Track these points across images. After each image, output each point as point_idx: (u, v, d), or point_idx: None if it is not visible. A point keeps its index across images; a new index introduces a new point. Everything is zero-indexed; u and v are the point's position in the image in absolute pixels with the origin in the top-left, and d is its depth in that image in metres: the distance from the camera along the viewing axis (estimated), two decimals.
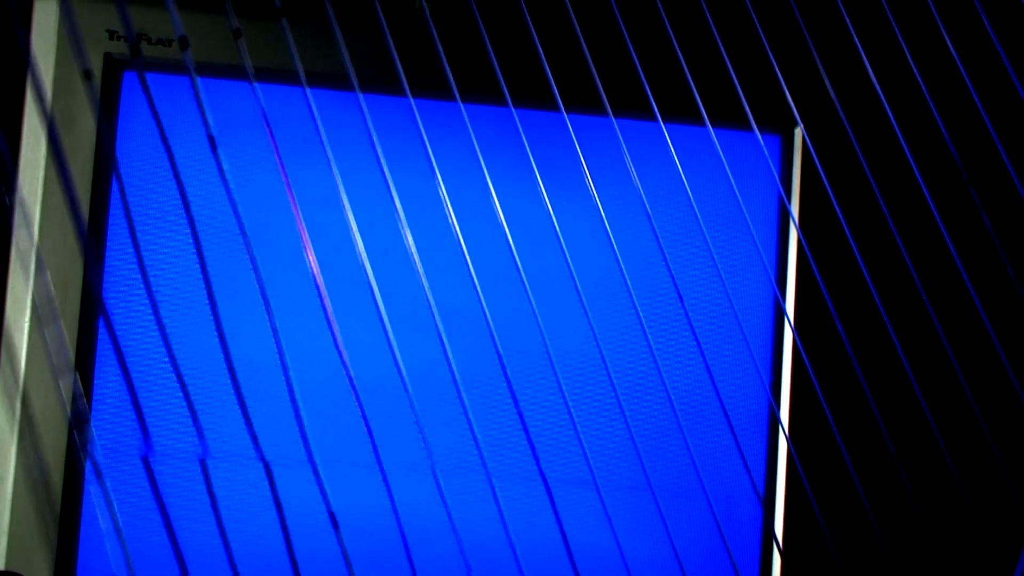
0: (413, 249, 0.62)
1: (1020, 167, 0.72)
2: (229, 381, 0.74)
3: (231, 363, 0.53)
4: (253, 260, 0.55)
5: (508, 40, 0.76)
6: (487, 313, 0.62)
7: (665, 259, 0.72)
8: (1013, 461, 0.85)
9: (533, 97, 0.77)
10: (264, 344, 0.74)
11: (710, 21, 0.69)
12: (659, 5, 0.68)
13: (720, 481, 0.80)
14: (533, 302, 0.64)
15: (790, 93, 0.73)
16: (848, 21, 0.71)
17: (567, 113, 0.77)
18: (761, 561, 0.80)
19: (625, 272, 0.67)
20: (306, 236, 0.59)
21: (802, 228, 0.78)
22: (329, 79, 0.76)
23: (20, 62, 0.80)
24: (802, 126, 0.76)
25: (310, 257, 0.69)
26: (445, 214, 0.74)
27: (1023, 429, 0.84)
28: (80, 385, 0.74)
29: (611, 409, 0.78)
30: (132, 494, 0.74)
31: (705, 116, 0.68)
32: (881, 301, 0.68)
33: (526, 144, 0.66)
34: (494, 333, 0.62)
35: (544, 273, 0.77)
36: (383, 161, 0.62)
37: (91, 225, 0.74)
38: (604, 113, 0.76)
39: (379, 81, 0.76)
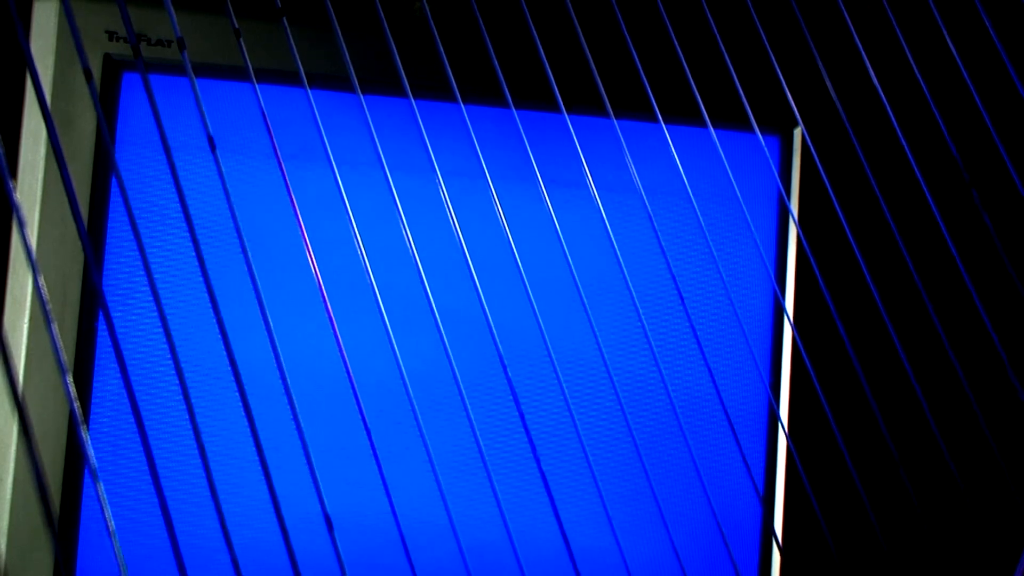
0: (414, 250, 0.62)
1: (1020, 167, 0.72)
2: (228, 382, 0.74)
3: (234, 364, 0.53)
4: (249, 262, 0.55)
5: (509, 41, 0.76)
6: (488, 313, 0.62)
7: (666, 258, 0.72)
8: (1013, 461, 0.85)
9: (534, 98, 0.77)
10: (264, 345, 0.74)
11: (711, 22, 0.69)
12: (660, 6, 0.68)
13: (720, 479, 0.80)
14: (534, 302, 0.64)
15: (790, 93, 0.73)
16: (848, 21, 0.71)
17: (568, 114, 0.77)
18: (761, 559, 0.80)
19: (626, 271, 0.67)
20: (307, 237, 0.59)
21: (802, 227, 0.78)
22: (329, 80, 0.75)
23: (20, 62, 0.80)
24: (803, 126, 0.76)
25: (310, 258, 0.69)
26: (446, 215, 0.74)
27: (1023, 429, 0.84)
28: (74, 387, 0.74)
29: (611, 408, 0.79)
30: (131, 496, 0.74)
31: (706, 117, 0.68)
32: (881, 300, 0.68)
33: (527, 145, 0.66)
34: (495, 333, 0.62)
35: (545, 273, 0.77)
36: (384, 162, 0.61)
37: (91, 225, 0.74)
38: (605, 114, 0.76)
39: (380, 82, 0.75)
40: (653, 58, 0.76)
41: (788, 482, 0.79)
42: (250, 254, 0.55)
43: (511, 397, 0.76)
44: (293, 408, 0.54)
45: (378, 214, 0.75)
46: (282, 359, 0.55)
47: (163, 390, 0.74)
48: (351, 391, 0.60)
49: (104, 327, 0.74)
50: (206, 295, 0.64)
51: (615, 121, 0.68)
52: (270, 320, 0.55)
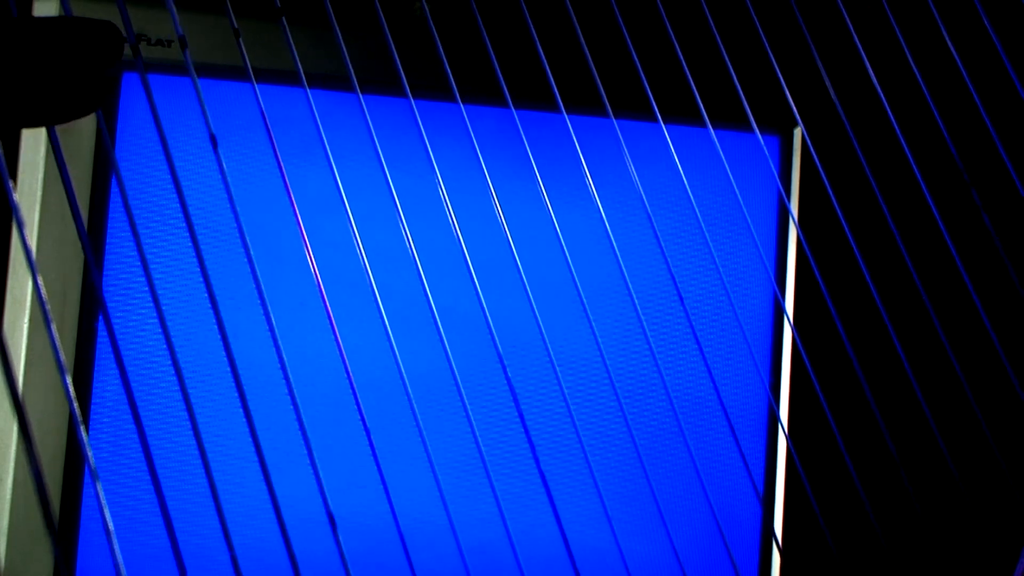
0: (413, 249, 0.62)
1: (1020, 167, 0.72)
2: (228, 382, 0.74)
3: (233, 364, 0.53)
4: (251, 261, 0.55)
5: (509, 41, 0.76)
6: (487, 313, 0.62)
7: (665, 259, 0.72)
8: (1013, 461, 0.85)
9: (534, 98, 0.77)
10: (264, 345, 0.74)
11: (711, 22, 0.69)
12: (660, 6, 0.68)
13: (720, 480, 0.80)
14: (533, 302, 0.64)
15: (790, 93, 0.73)
16: (848, 21, 0.71)
17: (568, 114, 0.77)
18: (760, 559, 0.80)
19: (625, 272, 0.67)
20: (306, 237, 0.59)
21: (802, 227, 0.78)
22: (329, 80, 0.75)
23: None
24: (802, 126, 0.76)
25: (310, 258, 0.69)
26: (446, 214, 0.74)
27: (1023, 429, 0.84)
28: (74, 387, 0.74)
29: (611, 408, 0.79)
30: (131, 496, 0.74)
31: (706, 117, 0.68)
32: (881, 300, 0.68)
33: (527, 145, 0.66)
34: (494, 333, 0.62)
35: (545, 273, 0.77)
36: (383, 162, 0.61)
37: (91, 225, 0.74)
38: (605, 114, 0.76)
39: (379, 82, 0.75)
40: (653, 58, 0.76)
41: (788, 482, 0.79)
42: (250, 254, 0.55)
43: (511, 397, 0.76)
44: (297, 408, 0.54)
45: (378, 214, 0.75)
46: (282, 359, 0.55)
47: (163, 390, 0.74)
48: (350, 390, 0.60)
49: (104, 327, 0.74)
50: (206, 295, 0.64)
51: (615, 121, 0.68)
52: (274, 320, 0.55)
